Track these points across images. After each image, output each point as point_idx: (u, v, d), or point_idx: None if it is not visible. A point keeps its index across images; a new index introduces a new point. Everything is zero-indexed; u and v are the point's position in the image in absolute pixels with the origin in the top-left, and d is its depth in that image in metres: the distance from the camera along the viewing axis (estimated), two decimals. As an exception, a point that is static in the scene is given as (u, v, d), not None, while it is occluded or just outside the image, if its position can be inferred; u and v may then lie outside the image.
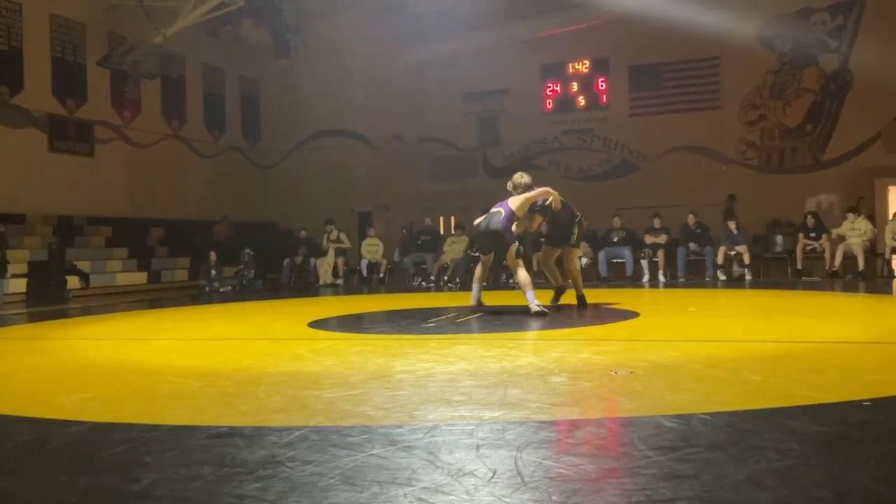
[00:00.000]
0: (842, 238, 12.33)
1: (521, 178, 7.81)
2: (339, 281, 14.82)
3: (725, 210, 14.13)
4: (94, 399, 3.73)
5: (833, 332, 5.60)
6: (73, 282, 12.56)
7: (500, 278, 14.28)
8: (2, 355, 5.94)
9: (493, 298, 8.55)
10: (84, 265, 13.15)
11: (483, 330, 6.26)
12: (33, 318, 9.28)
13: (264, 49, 17.53)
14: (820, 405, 3.02)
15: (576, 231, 8.02)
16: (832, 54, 15.98)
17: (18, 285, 12.02)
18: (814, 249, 12.79)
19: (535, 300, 6.99)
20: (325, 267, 14.74)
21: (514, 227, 7.55)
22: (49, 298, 11.63)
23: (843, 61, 15.87)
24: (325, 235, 15.11)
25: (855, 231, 12.21)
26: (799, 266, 12.83)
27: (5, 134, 13.57)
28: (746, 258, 12.68)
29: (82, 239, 14.61)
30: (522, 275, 7.26)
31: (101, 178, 15.33)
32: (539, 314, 6.87)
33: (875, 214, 14.52)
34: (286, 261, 15.25)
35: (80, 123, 15.08)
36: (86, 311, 9.96)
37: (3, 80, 13.63)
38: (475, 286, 7.78)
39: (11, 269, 12.04)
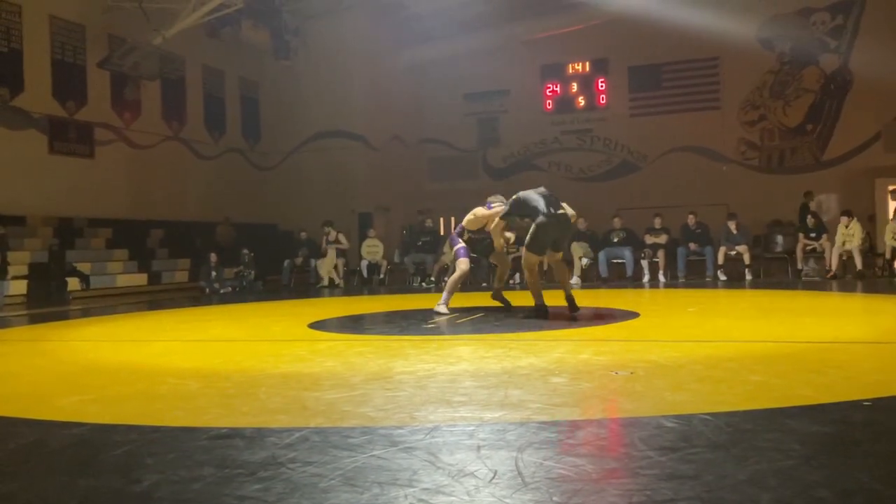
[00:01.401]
0: (842, 242, 12.33)
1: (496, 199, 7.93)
2: (339, 282, 14.82)
3: (802, 206, 13.89)
4: (94, 401, 3.73)
5: (833, 333, 5.59)
6: (73, 283, 12.56)
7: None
8: (2, 357, 5.94)
9: (490, 299, 8.53)
10: (84, 267, 13.15)
11: (483, 331, 6.26)
12: (34, 319, 9.28)
13: (264, 50, 17.53)
14: (820, 405, 3.02)
15: (530, 232, 7.10)
16: (832, 54, 15.99)
17: (19, 287, 12.02)
18: (814, 249, 12.79)
19: (443, 303, 7.53)
20: (326, 267, 14.74)
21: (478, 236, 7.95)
22: (50, 300, 11.64)
23: (844, 61, 15.88)
24: (324, 237, 15.13)
25: (849, 235, 12.21)
26: (799, 266, 12.83)
27: (5, 136, 13.57)
28: (747, 258, 12.67)
29: (83, 241, 14.62)
30: (453, 278, 7.84)
31: (102, 180, 15.33)
32: (438, 314, 7.39)
33: (875, 214, 14.53)
34: (286, 262, 15.25)
35: (81, 125, 15.08)
36: (86, 313, 9.96)
37: (4, 81, 13.63)
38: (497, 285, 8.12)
39: (12, 270, 12.04)
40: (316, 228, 15.47)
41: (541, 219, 6.94)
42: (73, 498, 2.19)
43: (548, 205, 7.01)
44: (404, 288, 13.76)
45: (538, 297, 7.06)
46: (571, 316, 6.97)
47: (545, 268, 14.05)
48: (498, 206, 7.70)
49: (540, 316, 6.84)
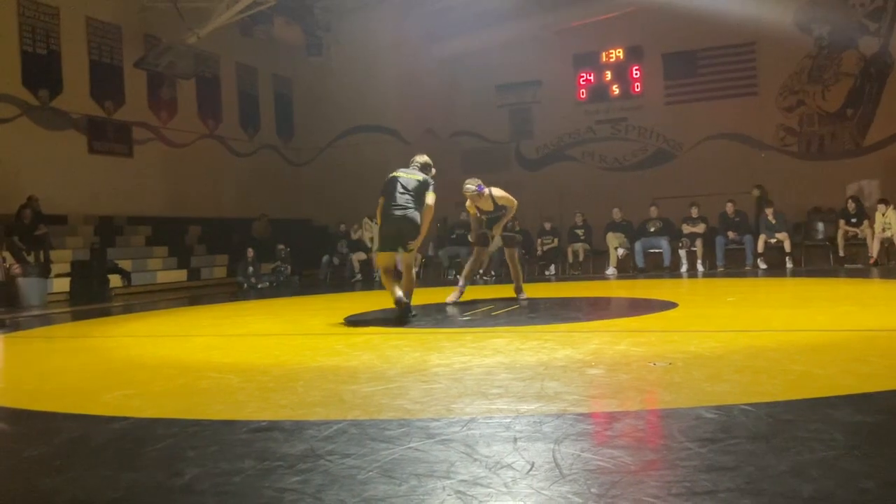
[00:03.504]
0: (881, 230, 12.11)
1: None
2: (377, 275, 14.95)
3: (757, 199, 13.76)
4: (137, 395, 3.79)
5: (876, 320, 5.48)
6: (114, 280, 12.78)
7: (533, 272, 14.26)
8: (47, 354, 6.07)
9: (526, 292, 8.52)
10: (125, 264, 13.38)
11: (519, 323, 6.24)
12: (77, 316, 9.47)
13: (296, 47, 17.65)
14: (864, 394, 2.97)
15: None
16: (872, 37, 15.62)
17: (62, 285, 12.27)
18: (855, 236, 12.56)
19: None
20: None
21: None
22: (92, 297, 11.85)
23: (884, 44, 15.50)
24: (362, 230, 15.27)
25: (886, 223, 11.97)
26: (841, 253, 12.60)
27: (46, 137, 13.84)
28: (787, 246, 12.48)
29: (123, 238, 14.87)
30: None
31: (140, 179, 15.57)
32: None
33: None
34: (325, 257, 15.38)
35: (119, 125, 15.32)
36: (127, 309, 10.13)
37: (43, 83, 13.89)
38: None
39: (55, 269, 12.30)
40: (351, 223, 15.60)
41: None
42: (117, 491, 2.23)
43: (390, 196, 6.64)
44: (439, 281, 13.77)
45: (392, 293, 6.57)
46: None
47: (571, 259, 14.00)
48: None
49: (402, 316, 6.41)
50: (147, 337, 6.80)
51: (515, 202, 8.05)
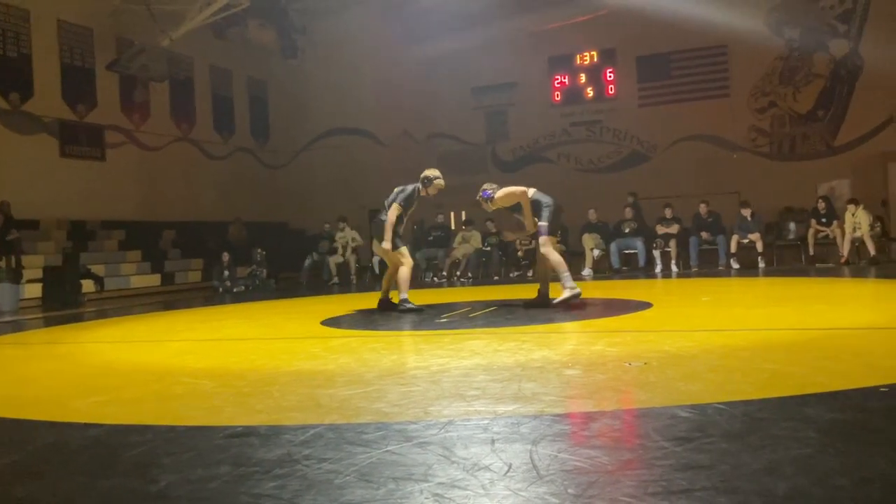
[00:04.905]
0: (852, 229, 12.29)
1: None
2: (353, 277, 14.90)
3: (633, 205, 13.94)
4: (111, 402, 3.75)
5: (848, 319, 5.56)
6: (87, 285, 12.64)
7: (510, 272, 14.30)
8: (19, 360, 5.99)
9: (503, 293, 8.54)
10: (98, 269, 13.23)
11: (496, 324, 6.25)
12: (49, 322, 9.34)
13: (271, 49, 17.58)
14: (836, 392, 3.01)
15: None
16: (841, 39, 15.84)
17: (34, 290, 12.11)
18: (826, 236, 12.72)
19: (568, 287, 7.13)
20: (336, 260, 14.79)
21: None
22: (64, 302, 11.71)
23: (853, 46, 15.73)
24: (338, 234, 15.21)
25: (856, 223, 12.15)
26: (811, 252, 12.76)
27: (17, 140, 13.66)
28: (759, 246, 12.61)
29: (96, 243, 14.71)
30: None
31: (113, 182, 15.42)
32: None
33: (889, 199, 14.42)
34: (308, 260, 15.29)
35: (91, 128, 15.16)
36: (101, 315, 10.02)
37: (14, 86, 13.72)
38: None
39: (26, 274, 12.13)
40: (335, 224, 15.55)
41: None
42: (92, 498, 2.21)
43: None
44: (416, 283, 13.74)
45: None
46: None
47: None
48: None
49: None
50: (120, 342, 6.73)
51: (518, 190, 7.44)
